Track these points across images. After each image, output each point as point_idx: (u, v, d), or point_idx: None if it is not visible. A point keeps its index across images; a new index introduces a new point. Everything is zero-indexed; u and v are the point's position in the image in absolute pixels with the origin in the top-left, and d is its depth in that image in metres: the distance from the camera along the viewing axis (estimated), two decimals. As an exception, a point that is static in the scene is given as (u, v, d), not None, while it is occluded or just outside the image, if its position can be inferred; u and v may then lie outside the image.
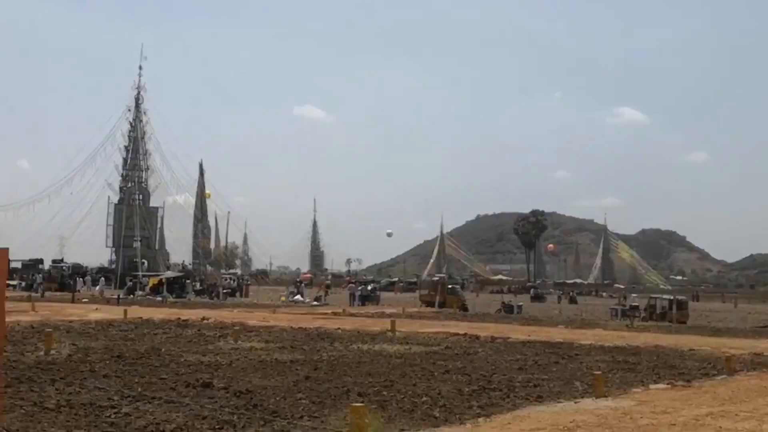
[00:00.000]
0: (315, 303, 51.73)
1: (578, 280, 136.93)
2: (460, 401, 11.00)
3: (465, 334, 22.91)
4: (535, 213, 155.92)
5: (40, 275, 65.26)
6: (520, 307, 47.47)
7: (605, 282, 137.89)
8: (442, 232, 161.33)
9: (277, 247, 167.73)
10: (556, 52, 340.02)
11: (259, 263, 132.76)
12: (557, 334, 24.38)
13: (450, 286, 58.26)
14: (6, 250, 2.70)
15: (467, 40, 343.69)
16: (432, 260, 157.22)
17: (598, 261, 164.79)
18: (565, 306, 58.43)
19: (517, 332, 24.47)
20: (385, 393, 11.58)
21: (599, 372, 12.46)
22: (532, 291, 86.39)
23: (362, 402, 9.44)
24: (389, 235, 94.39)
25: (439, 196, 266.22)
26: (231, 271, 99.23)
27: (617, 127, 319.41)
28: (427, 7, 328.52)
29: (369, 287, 61.33)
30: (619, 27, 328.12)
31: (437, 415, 9.90)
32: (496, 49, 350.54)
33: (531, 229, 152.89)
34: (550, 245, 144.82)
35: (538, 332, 25.03)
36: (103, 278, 66.06)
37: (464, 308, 47.13)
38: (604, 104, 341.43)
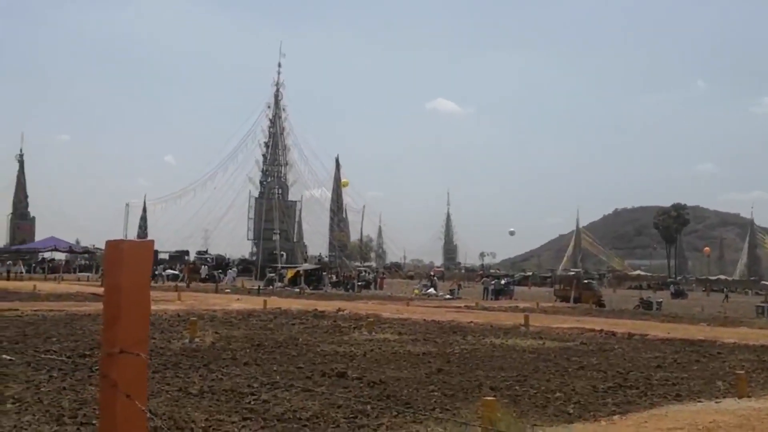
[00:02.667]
0: (448, 296, 51.81)
1: (722, 276, 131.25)
2: (594, 398, 10.82)
3: (601, 330, 22.43)
4: (676, 207, 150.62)
5: (205, 266, 68.19)
6: (659, 303, 46.01)
7: (751, 279, 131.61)
8: (577, 226, 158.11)
9: (410, 241, 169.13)
10: (697, 41, 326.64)
11: (393, 256, 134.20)
12: (698, 332, 23.50)
13: (586, 281, 57.08)
14: (151, 242, 2.86)
15: (602, 30, 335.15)
16: (567, 255, 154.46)
17: (744, 257, 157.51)
18: (714, 301, 56.03)
19: (656, 329, 23.73)
20: (517, 387, 11.52)
21: (742, 371, 11.97)
22: (672, 287, 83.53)
23: (494, 396, 9.44)
24: (512, 233, 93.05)
25: (574, 190, 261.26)
26: (366, 263, 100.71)
27: (764, 117, 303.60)
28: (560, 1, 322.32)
29: (503, 281, 60.87)
30: (764, 12, 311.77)
31: (571, 411, 9.78)
32: (633, 39, 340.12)
33: (672, 223, 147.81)
34: (707, 248, 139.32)
35: (678, 329, 24.18)
36: (233, 269, 68.13)
37: (600, 304, 46.11)
38: (749, 93, 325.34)
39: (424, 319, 24.93)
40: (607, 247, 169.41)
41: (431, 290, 56.37)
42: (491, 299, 50.28)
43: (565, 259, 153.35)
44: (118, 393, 2.68)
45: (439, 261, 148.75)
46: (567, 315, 32.32)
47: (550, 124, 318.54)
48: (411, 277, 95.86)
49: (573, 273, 78.11)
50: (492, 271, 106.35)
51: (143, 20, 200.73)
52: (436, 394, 10.72)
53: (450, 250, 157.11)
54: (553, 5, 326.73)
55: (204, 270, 65.21)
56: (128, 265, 2.79)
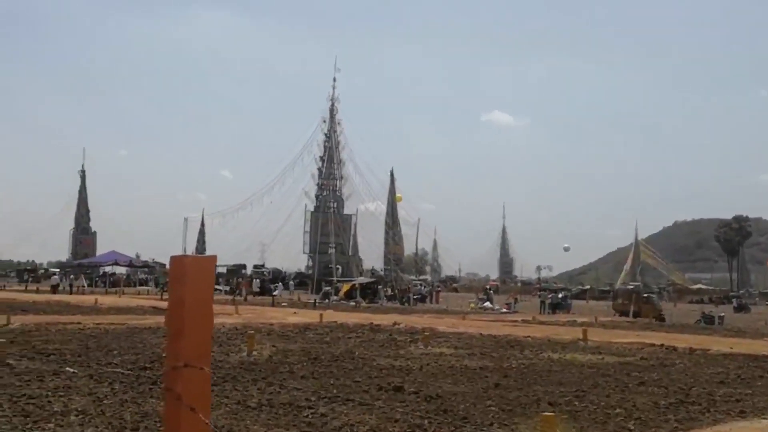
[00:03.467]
0: (504, 310, 51.42)
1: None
2: (656, 414, 10.63)
3: (661, 345, 22.01)
4: (738, 219, 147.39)
5: (258, 280, 68.75)
6: (721, 317, 44.97)
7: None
8: (636, 238, 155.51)
9: (466, 254, 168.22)
10: (757, 48, 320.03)
11: (448, 270, 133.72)
12: (763, 347, 22.92)
13: (645, 295, 56.11)
14: (214, 257, 2.91)
15: (658, 39, 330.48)
16: (626, 268, 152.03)
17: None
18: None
19: (718, 344, 23.21)
20: (576, 403, 11.38)
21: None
22: (735, 301, 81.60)
23: (553, 411, 9.33)
24: (566, 249, 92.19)
25: (632, 202, 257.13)
26: (421, 277, 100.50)
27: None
28: (613, 7, 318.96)
29: (560, 295, 60.18)
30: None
31: (632, 428, 9.63)
32: (692, 47, 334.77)
33: (734, 235, 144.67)
34: None
35: (742, 344, 23.62)
36: (280, 283, 68.44)
37: (661, 318, 45.28)
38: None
39: (481, 333, 24.78)
40: (667, 260, 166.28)
41: (487, 304, 55.98)
42: (548, 313, 49.72)
43: (623, 272, 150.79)
44: (182, 406, 2.72)
45: (494, 274, 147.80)
46: (626, 329, 31.79)
47: (606, 135, 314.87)
48: (455, 289, 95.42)
49: (632, 287, 76.88)
50: (549, 284, 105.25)
51: (199, 37, 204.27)
52: (493, 409, 10.64)
53: (506, 263, 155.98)
54: (609, 13, 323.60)
55: (256, 284, 65.70)
56: (191, 280, 2.84)
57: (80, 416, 9.09)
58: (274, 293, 59.67)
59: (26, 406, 9.66)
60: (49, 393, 10.69)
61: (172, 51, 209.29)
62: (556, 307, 53.18)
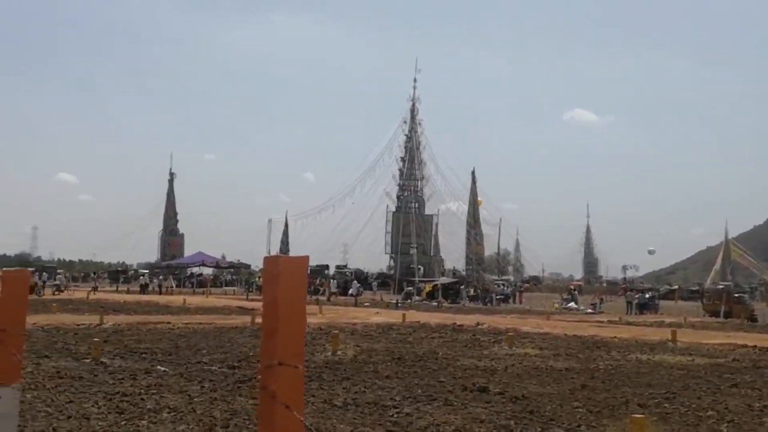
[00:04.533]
0: (590, 311, 50.63)
1: None
2: (749, 417, 10.31)
3: (755, 346, 21.33)
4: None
5: (334, 281, 69.38)
6: (817, 318, 43.36)
7: None
8: (726, 237, 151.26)
9: (549, 254, 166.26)
10: None
11: (531, 270, 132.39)
12: None
13: (737, 295, 54.45)
14: (306, 258, 2.95)
15: (750, 35, 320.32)
16: (716, 267, 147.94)
17: None
18: None
19: (816, 346, 22.37)
20: (666, 405, 11.12)
21: None
22: (831, 301, 78.48)
23: (642, 413, 9.15)
24: (651, 252, 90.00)
25: (721, 199, 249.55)
26: (503, 277, 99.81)
27: None
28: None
29: (647, 295, 58.91)
30: None
31: (724, 430, 9.37)
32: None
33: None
34: None
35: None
36: (355, 282, 68.72)
37: (753, 319, 43.87)
38: None
39: (566, 334, 24.45)
40: (759, 259, 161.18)
41: (572, 304, 55.23)
42: (635, 314, 48.75)
43: (713, 272, 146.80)
44: (277, 404, 2.76)
45: (578, 274, 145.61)
46: (717, 330, 30.93)
47: (692, 131, 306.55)
48: (531, 287, 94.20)
49: (723, 286, 74.82)
50: (635, 284, 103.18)
51: (281, 42, 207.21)
52: (581, 410, 10.49)
53: (590, 263, 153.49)
54: (695, 6, 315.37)
55: (334, 284, 66.27)
56: (285, 279, 2.88)
57: (172, 414, 9.32)
58: (350, 292, 60.17)
59: (120, 403, 9.97)
60: (142, 391, 11.00)
61: (256, 57, 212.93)
62: (643, 307, 52.09)
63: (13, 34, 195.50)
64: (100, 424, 8.65)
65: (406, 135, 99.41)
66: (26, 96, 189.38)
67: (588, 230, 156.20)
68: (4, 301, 4.75)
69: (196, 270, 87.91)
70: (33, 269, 58.35)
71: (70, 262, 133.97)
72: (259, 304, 38.85)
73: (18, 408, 4.74)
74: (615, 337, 23.94)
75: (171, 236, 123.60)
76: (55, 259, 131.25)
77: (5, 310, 4.73)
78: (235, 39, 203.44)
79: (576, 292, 66.64)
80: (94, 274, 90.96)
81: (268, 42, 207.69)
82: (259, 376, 2.88)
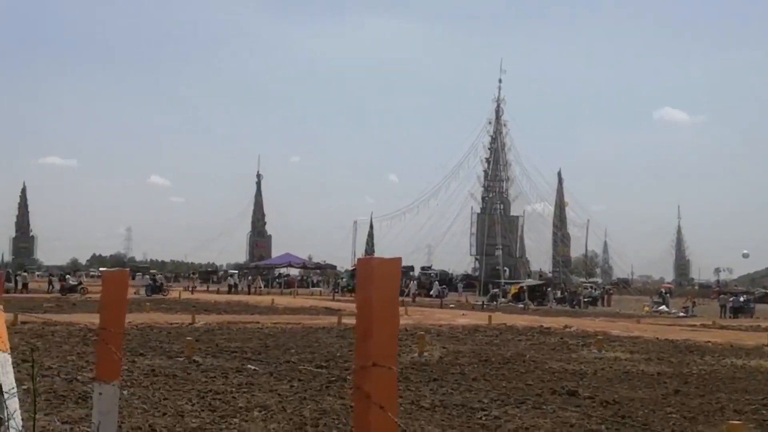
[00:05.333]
0: (682, 314, 49.37)
1: None
2: None
3: None
4: None
5: (414, 282, 69.43)
6: None
7: None
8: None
9: (639, 256, 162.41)
10: None
11: (619, 272, 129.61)
12: None
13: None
14: (399, 259, 2.96)
15: None
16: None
17: None
18: None
19: None
20: (764, 412, 10.77)
21: None
22: None
23: (739, 420, 8.87)
24: (745, 256, 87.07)
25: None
26: (591, 279, 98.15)
27: None
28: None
29: (741, 298, 57.08)
30: None
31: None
32: None
33: None
34: None
35: None
36: (436, 283, 68.34)
37: None
38: None
39: (657, 338, 23.88)
40: None
41: (663, 307, 53.94)
42: (729, 317, 47.33)
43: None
44: (371, 404, 2.79)
45: (669, 277, 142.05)
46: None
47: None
48: (620, 289, 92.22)
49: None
50: (729, 287, 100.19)
51: (365, 43, 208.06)
52: (674, 416, 10.24)
53: (681, 265, 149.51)
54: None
55: (413, 285, 66.23)
56: (378, 281, 2.90)
57: (263, 412, 9.48)
58: (431, 293, 60.12)
59: (213, 401, 10.20)
60: (234, 389, 11.23)
61: (340, 59, 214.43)
62: (737, 311, 50.51)
63: (102, 40, 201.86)
64: (194, 421, 8.86)
65: (491, 136, 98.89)
66: (120, 102, 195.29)
67: (679, 231, 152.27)
68: (104, 301, 4.92)
69: (283, 271, 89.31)
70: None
71: (163, 262, 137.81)
72: (345, 305, 39.25)
73: (118, 405, 4.89)
74: (708, 341, 23.28)
75: (259, 237, 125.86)
76: (149, 260, 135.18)
77: (106, 310, 4.89)
78: (320, 42, 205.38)
79: (667, 294, 65.06)
80: (193, 274, 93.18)
81: (352, 44, 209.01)
82: (352, 377, 2.91)
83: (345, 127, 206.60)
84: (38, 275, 75.40)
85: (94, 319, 22.01)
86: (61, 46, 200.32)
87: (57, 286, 52.14)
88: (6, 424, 4.54)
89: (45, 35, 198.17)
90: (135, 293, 49.82)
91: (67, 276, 58.79)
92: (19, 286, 51.01)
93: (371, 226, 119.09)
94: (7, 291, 46.15)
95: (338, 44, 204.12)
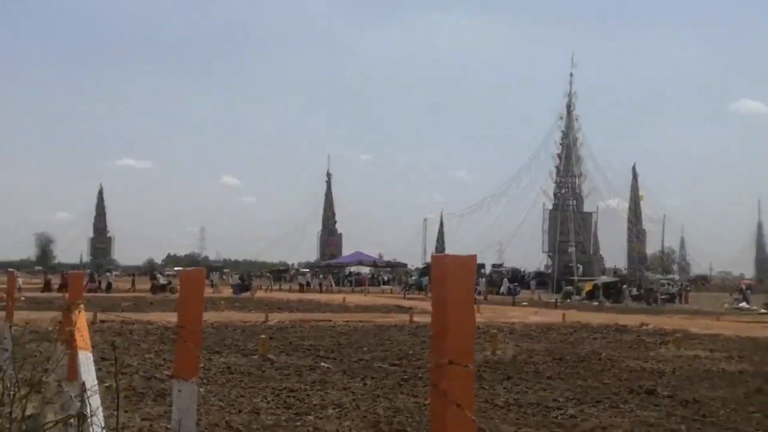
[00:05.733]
0: (763, 311, 47.94)
1: None
2: None
3: None
4: None
5: (483, 279, 69.12)
6: None
7: None
8: None
9: (718, 252, 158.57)
10: None
11: (697, 268, 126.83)
12: None
13: None
14: (474, 257, 2.93)
15: None
16: None
17: None
18: None
19: None
20: None
21: None
22: None
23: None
24: None
25: None
26: (668, 276, 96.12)
27: None
28: None
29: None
30: None
31: None
32: None
33: None
34: None
35: None
36: (506, 280, 67.63)
37: None
38: None
39: (737, 335, 23.23)
40: None
41: (743, 304, 52.45)
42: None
43: None
44: (448, 402, 2.75)
45: (750, 273, 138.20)
46: None
47: None
48: (699, 286, 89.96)
49: None
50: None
51: (433, 38, 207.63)
52: (757, 416, 9.94)
53: (763, 261, 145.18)
54: None
55: (483, 283, 65.82)
56: (453, 278, 2.87)
57: (337, 409, 9.53)
58: (500, 291, 59.72)
59: (288, 398, 10.29)
60: (307, 387, 11.31)
61: (408, 56, 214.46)
62: (821, 307, 48.78)
63: (174, 42, 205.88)
64: (269, 418, 8.95)
65: (563, 131, 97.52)
66: (193, 103, 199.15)
67: (760, 227, 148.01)
68: (182, 300, 4.99)
69: (354, 269, 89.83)
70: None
71: (235, 261, 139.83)
72: (416, 303, 39.26)
73: (196, 402, 4.95)
74: (792, 339, 22.55)
75: (330, 236, 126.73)
76: (222, 259, 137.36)
77: (184, 308, 4.96)
78: (388, 39, 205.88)
79: (747, 291, 63.28)
80: (269, 273, 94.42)
81: (420, 41, 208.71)
82: (429, 375, 2.88)
83: (414, 124, 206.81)
84: (116, 275, 77.42)
85: (170, 318, 22.44)
86: (136, 48, 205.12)
87: (145, 285, 53.69)
88: (89, 420, 4.64)
89: (121, 38, 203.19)
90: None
91: (158, 275, 60.38)
92: (103, 286, 52.62)
93: (441, 224, 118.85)
94: (92, 291, 47.89)
95: (406, 41, 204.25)
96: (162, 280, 54.30)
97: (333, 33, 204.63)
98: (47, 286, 50.20)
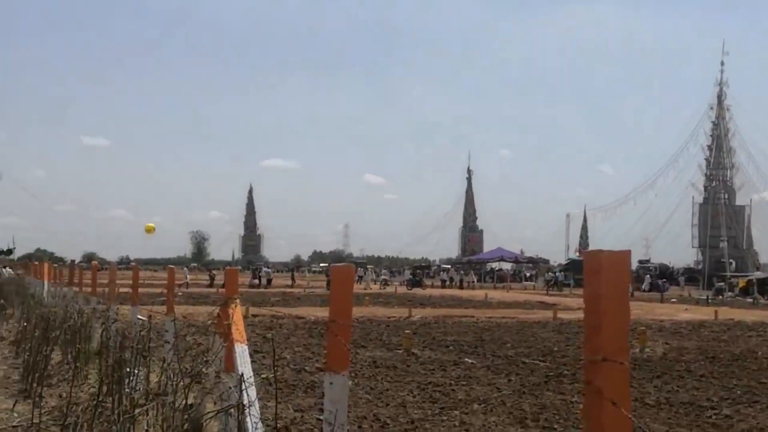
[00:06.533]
0: None
1: None
2: None
3: None
4: None
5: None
6: None
7: None
8: None
9: None
10: None
11: None
12: None
13: None
14: (628, 252, 2.90)
15: None
16: None
17: None
18: None
19: None
20: None
21: None
22: None
23: None
24: None
25: None
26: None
27: None
28: None
29: None
30: None
31: None
32: None
33: None
34: None
35: None
36: (648, 276, 65.08)
37: None
38: None
39: None
40: None
41: None
42: None
43: None
44: (603, 400, 2.74)
45: None
46: None
47: None
48: None
49: None
50: None
51: (573, 28, 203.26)
52: None
53: None
54: None
55: (647, 280, 63.82)
56: (607, 274, 2.85)
57: (482, 405, 9.54)
58: (642, 287, 58.02)
59: (433, 393, 10.39)
60: (452, 382, 11.38)
61: (547, 47, 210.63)
62: None
63: (320, 46, 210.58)
64: (416, 412, 9.06)
65: (713, 122, 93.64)
66: (336, 104, 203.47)
67: None
68: (333, 294, 5.15)
69: (495, 265, 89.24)
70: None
71: (378, 258, 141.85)
72: (559, 299, 38.67)
73: (347, 395, 5.10)
74: None
75: (471, 232, 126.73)
76: (365, 255, 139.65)
77: (335, 303, 5.12)
78: (528, 31, 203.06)
79: None
80: (418, 270, 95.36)
81: (563, 31, 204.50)
82: (582, 372, 2.87)
83: (554, 118, 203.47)
84: (264, 271, 79.99)
85: (317, 312, 23.10)
86: (283, 53, 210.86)
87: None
88: (247, 410, 4.86)
89: (272, 44, 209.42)
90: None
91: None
92: (263, 282, 55.14)
93: (585, 219, 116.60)
94: (254, 287, 50.54)
95: (548, 34, 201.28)
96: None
97: (475, 27, 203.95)
98: (213, 282, 52.56)
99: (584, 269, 3.01)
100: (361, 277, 58.82)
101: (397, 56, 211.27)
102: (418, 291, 50.84)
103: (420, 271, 69.94)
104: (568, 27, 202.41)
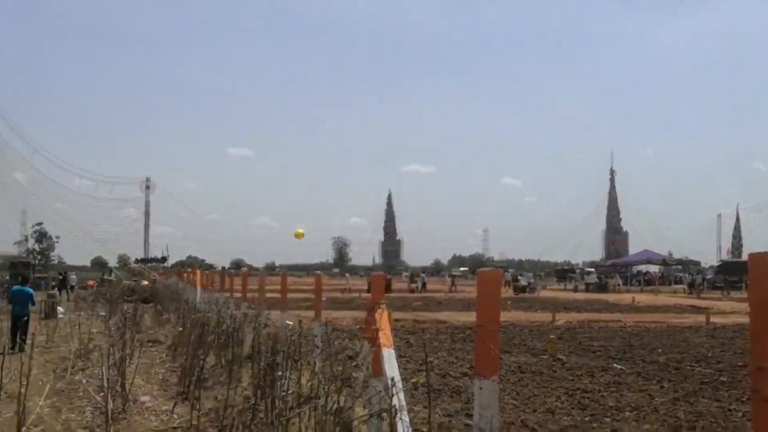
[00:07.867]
0: None
1: None
2: None
3: None
4: None
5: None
6: None
7: None
8: None
9: None
10: None
11: None
12: None
13: None
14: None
15: None
16: None
17: None
18: None
19: None
20: None
21: None
22: None
23: None
24: None
25: None
26: None
27: None
28: None
29: None
30: None
31: None
32: None
33: None
34: None
35: None
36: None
37: None
38: None
39: None
40: None
41: None
42: None
43: None
44: (772, 408, 2.62)
45: None
46: None
47: None
48: None
49: None
50: None
51: (714, 25, 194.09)
52: None
53: None
54: None
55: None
56: (774, 277, 2.72)
57: (634, 412, 9.27)
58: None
59: (582, 399, 10.17)
60: (601, 388, 11.11)
61: (687, 44, 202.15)
62: None
63: (454, 49, 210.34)
64: (564, 419, 8.90)
65: None
66: (471, 107, 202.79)
67: None
68: (480, 300, 5.13)
69: (642, 268, 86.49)
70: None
71: (519, 261, 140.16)
72: (711, 303, 37.03)
73: (497, 400, 5.07)
74: None
75: (615, 234, 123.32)
76: (505, 259, 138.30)
77: (482, 308, 5.10)
78: (668, 27, 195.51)
79: None
80: (569, 272, 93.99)
81: (702, 28, 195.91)
82: (749, 379, 2.74)
83: (697, 113, 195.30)
84: (405, 276, 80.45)
85: (458, 317, 23.07)
86: (416, 60, 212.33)
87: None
88: (399, 415, 4.91)
89: (406, 50, 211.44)
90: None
91: (520, 276, 62.88)
92: (419, 286, 56.14)
93: (737, 219, 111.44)
94: (412, 291, 52.23)
95: (688, 29, 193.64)
96: (523, 282, 56.36)
97: (613, 25, 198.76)
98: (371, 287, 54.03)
99: (749, 272, 2.88)
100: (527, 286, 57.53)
101: (534, 55, 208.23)
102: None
103: (602, 276, 68.51)
104: (711, 23, 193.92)
